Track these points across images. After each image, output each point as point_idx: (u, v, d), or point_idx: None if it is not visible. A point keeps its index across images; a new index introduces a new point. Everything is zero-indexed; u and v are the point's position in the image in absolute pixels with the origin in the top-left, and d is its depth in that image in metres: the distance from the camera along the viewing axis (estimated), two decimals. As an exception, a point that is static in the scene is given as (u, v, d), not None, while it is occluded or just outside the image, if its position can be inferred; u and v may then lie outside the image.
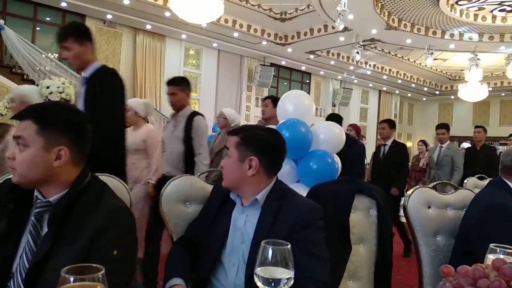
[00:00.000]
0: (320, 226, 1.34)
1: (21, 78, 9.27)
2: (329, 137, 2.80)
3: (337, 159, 2.83)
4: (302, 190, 2.60)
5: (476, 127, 6.05)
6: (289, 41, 12.44)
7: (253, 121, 14.04)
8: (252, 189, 1.37)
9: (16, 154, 1.05)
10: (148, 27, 11.42)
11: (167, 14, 9.78)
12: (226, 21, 10.79)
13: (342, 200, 1.65)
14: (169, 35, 12.09)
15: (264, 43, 12.48)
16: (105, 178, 1.34)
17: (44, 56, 9.68)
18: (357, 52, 11.32)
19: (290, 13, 10.98)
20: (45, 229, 1.05)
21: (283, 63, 14.75)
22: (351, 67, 14.96)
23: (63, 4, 10.05)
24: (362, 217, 1.71)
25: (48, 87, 5.58)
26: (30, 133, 1.04)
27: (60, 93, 5.54)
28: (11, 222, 1.05)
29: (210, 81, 13.41)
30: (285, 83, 15.98)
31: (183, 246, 1.46)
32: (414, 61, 14.78)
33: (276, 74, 14.95)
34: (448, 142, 5.41)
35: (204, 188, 1.61)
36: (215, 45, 12.98)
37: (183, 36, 12.22)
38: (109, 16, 10.72)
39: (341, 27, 8.49)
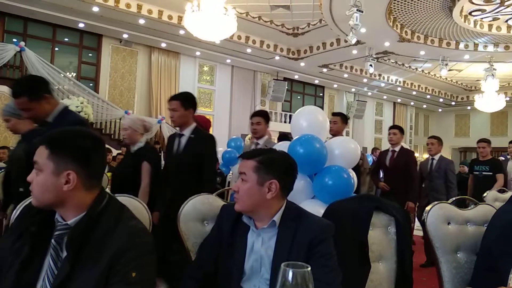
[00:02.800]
0: (332, 242, 1.38)
1: (41, 97, 9.49)
2: (344, 152, 2.79)
3: (353, 174, 2.81)
4: (318, 206, 2.59)
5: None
6: (301, 56, 12.51)
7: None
8: (269, 211, 1.38)
9: (33, 178, 1.09)
10: (163, 45, 11.64)
11: (182, 32, 9.97)
12: (239, 37, 10.93)
13: (360, 217, 1.65)
14: (184, 52, 12.30)
15: (277, 58, 12.58)
16: (123, 198, 1.36)
17: (63, 75, 9.95)
18: (370, 65, 11.32)
19: (303, 28, 11.07)
20: (65, 252, 1.07)
21: (296, 77, 14.82)
22: (365, 80, 14.94)
23: (81, 25, 10.35)
24: (380, 234, 1.70)
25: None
26: (43, 158, 1.08)
27: (79, 112, 5.67)
28: (34, 245, 1.08)
29: (224, 97, 13.55)
30: (299, 97, 16.03)
31: (194, 279, 1.45)
32: (429, 72, 14.68)
33: (289, 88, 15.02)
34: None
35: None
36: (228, 61, 13.14)
37: (197, 53, 12.41)
38: (125, 36, 10.98)
39: (353, 41, 8.52)
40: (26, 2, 8.98)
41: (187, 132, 3.04)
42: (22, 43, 9.47)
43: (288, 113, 14.92)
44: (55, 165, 1.07)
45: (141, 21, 9.94)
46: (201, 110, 12.86)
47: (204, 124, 4.29)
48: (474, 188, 5.45)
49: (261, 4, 9.69)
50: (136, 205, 1.41)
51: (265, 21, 10.65)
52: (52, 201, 1.08)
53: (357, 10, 7.62)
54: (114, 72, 11.30)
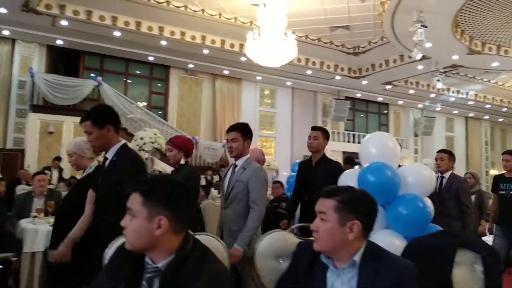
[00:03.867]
0: (415, 283, 1.32)
1: (116, 127, 10.21)
2: (419, 180, 2.67)
3: (429, 203, 2.68)
4: (393, 237, 2.49)
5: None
6: (363, 74, 12.30)
7: (330, 156, 13.85)
8: (349, 251, 1.36)
9: (127, 223, 1.17)
10: (226, 72, 12.07)
11: (243, 59, 10.28)
12: (299, 60, 11.02)
13: (443, 255, 1.56)
14: (245, 77, 12.64)
15: (338, 77, 12.48)
16: (202, 237, 1.41)
17: (135, 105, 10.66)
18: (438, 80, 10.81)
19: (363, 47, 10.92)
20: None
21: (358, 95, 14.55)
22: (432, 95, 14.26)
23: (150, 58, 11.08)
24: (466, 273, 1.59)
25: (142, 138, 6.09)
26: (137, 205, 1.16)
27: (152, 143, 6.01)
28: (128, 285, 1.16)
29: (285, 119, 13.63)
30: (362, 115, 15.68)
31: None
32: (503, 84, 13.69)
33: (352, 107, 14.76)
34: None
35: (296, 244, 1.62)
36: (289, 83, 13.26)
37: (258, 78, 12.68)
38: (190, 65, 11.56)
39: (418, 57, 8.23)
40: (102, 40, 9.83)
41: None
42: (99, 78, 10.33)
43: (351, 132, 14.63)
44: (148, 211, 1.14)
45: (205, 51, 10.43)
46: (262, 133, 13.05)
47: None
48: (501, 211, 4.57)
49: (320, 27, 9.75)
50: (214, 243, 1.46)
51: (325, 43, 10.66)
52: (145, 246, 1.16)
53: (421, 26, 7.39)
54: (181, 100, 11.89)
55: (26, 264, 3.45)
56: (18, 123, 9.73)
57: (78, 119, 8.31)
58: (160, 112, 11.67)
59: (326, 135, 3.70)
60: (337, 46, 10.87)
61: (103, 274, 1.25)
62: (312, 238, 1.41)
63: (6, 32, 9.42)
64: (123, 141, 2.33)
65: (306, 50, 10.53)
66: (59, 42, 9.94)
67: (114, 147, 2.26)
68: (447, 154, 4.33)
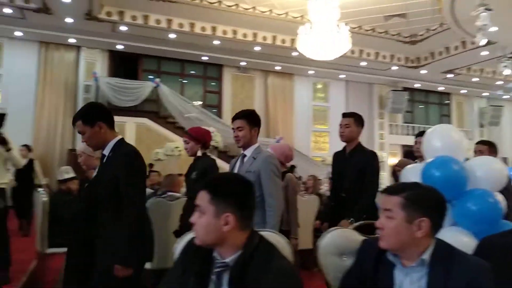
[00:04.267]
0: (492, 284, 1.25)
1: (173, 126, 10.63)
2: (488, 174, 2.51)
3: (501, 198, 2.52)
4: (461, 234, 2.37)
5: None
6: (422, 63, 11.75)
7: (388, 149, 13.43)
8: (418, 249, 1.31)
9: (196, 220, 1.23)
10: (277, 68, 12.08)
11: (295, 54, 10.23)
12: (352, 52, 10.73)
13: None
14: (297, 72, 12.57)
15: (394, 68, 12.03)
16: (265, 233, 1.43)
17: (191, 105, 10.99)
18: (505, 66, 10.05)
19: (421, 35, 10.43)
20: (224, 287, 1.19)
21: (417, 86, 13.92)
22: (499, 82, 13.30)
23: (204, 58, 11.37)
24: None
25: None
26: (205, 202, 1.21)
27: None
28: (198, 279, 1.22)
29: (339, 113, 13.11)
30: (421, 107, 15.00)
31: None
32: None
33: (410, 98, 14.15)
34: None
35: (359, 241, 1.60)
36: (342, 76, 13.00)
37: (310, 72, 12.56)
38: (242, 63, 11.70)
39: (482, 42, 7.70)
40: (159, 43, 10.25)
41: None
42: (158, 80, 10.77)
43: (411, 125, 14.05)
44: (215, 209, 1.20)
45: (257, 48, 10.50)
46: (316, 128, 12.92)
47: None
48: None
49: (374, 16, 9.44)
50: (278, 239, 1.47)
51: (380, 32, 10.32)
52: (213, 241, 1.21)
53: (485, 9, 6.90)
54: (235, 98, 12.09)
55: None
56: (85, 125, 10.40)
57: (139, 119, 8.65)
58: (214, 110, 11.94)
59: (359, 121, 3.29)
60: (393, 35, 10.48)
61: (174, 268, 1.32)
62: (377, 235, 1.38)
63: (72, 40, 10.11)
64: (119, 136, 2.26)
65: (360, 41, 10.25)
66: (119, 46, 10.50)
67: (110, 143, 2.20)
68: (486, 146, 3.80)
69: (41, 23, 9.00)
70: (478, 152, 3.72)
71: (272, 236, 1.47)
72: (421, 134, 3.42)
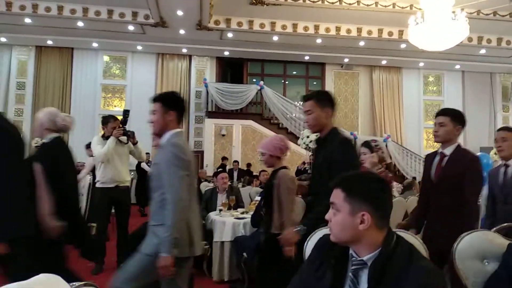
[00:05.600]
0: None
1: (277, 127, 10.84)
2: None
3: None
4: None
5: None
6: (556, 47, 10.21)
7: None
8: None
9: (331, 217, 1.24)
10: (384, 62, 11.57)
11: (403, 46, 9.69)
12: (470, 39, 9.76)
13: None
14: (405, 66, 11.89)
15: (521, 54, 10.65)
16: (403, 235, 1.37)
17: (293, 105, 11.08)
18: None
19: (555, 13, 9.05)
20: (362, 285, 1.17)
21: (549, 73, 12.14)
22: None
23: (306, 58, 11.38)
24: None
25: (308, 137, 6.38)
26: (340, 200, 1.21)
27: (310, 142, 6.24)
28: (335, 274, 1.23)
29: (455, 106, 12.12)
30: (556, 96, 13.02)
31: None
32: None
33: (542, 87, 12.40)
34: None
35: (503, 244, 1.45)
36: (457, 67, 11.93)
37: (421, 64, 11.78)
38: (345, 60, 11.43)
39: None
40: (262, 46, 10.55)
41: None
42: (262, 82, 11.08)
43: (542, 117, 12.30)
44: (351, 207, 1.19)
45: (361, 43, 10.17)
46: (428, 124, 12.05)
47: None
48: None
49: (496, -2, 8.46)
50: (413, 241, 1.40)
51: (502, 16, 9.20)
52: (348, 239, 1.21)
53: None
54: (338, 95, 11.85)
55: (217, 251, 3.92)
56: (197, 128, 11.22)
57: (245, 121, 9.03)
58: (317, 109, 11.85)
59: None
60: (518, 17, 9.28)
61: (309, 263, 1.34)
62: None
63: (184, 50, 10.96)
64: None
65: (479, 27, 9.26)
66: (226, 53, 11.07)
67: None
68: (509, 132, 3.01)
69: (158, 36, 9.91)
70: (500, 140, 3.01)
71: (407, 237, 1.41)
72: None
